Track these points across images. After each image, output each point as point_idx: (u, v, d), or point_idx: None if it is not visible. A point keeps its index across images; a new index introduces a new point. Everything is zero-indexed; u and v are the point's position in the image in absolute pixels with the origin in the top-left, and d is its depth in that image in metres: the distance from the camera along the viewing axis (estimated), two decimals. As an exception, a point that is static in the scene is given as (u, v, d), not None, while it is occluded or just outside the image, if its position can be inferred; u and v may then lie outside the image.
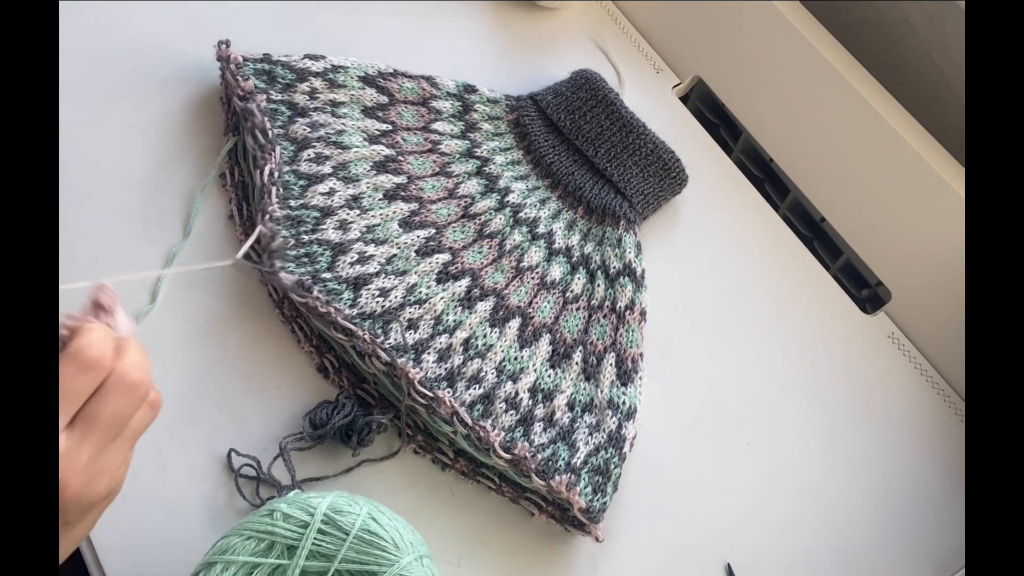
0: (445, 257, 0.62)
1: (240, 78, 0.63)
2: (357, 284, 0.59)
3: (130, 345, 0.38)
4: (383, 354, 0.55)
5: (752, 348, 0.64)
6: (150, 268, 0.61)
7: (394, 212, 0.63)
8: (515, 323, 0.60)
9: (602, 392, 0.58)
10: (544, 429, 0.56)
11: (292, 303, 0.61)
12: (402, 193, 0.64)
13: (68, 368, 0.36)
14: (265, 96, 0.64)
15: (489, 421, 0.56)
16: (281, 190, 0.60)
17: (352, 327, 0.56)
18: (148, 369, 0.39)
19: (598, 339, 0.61)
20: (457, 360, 0.58)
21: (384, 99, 0.67)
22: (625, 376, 0.59)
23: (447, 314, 0.59)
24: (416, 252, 0.61)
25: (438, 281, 0.61)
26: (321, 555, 0.46)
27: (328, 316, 0.56)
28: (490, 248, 0.63)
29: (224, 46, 0.65)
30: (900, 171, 0.66)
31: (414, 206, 0.63)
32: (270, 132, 0.62)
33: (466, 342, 0.59)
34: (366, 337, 0.56)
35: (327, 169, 0.63)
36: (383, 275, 0.60)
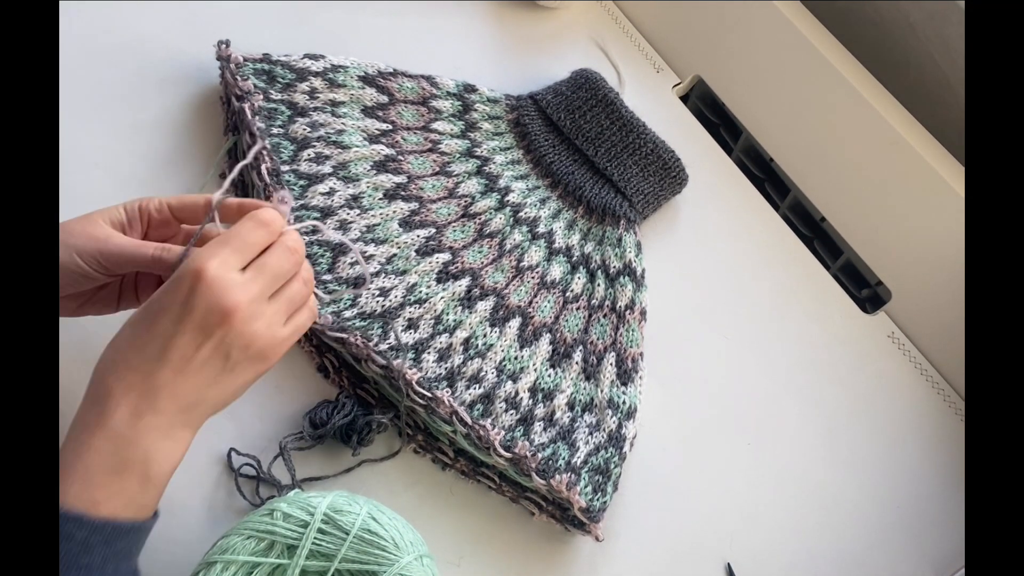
0: (445, 256, 0.62)
1: (239, 77, 0.63)
2: (357, 285, 0.59)
3: (291, 230, 0.47)
4: (378, 358, 0.55)
5: (752, 348, 0.64)
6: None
7: (394, 212, 0.63)
8: (515, 323, 0.60)
9: (602, 392, 0.58)
10: (544, 428, 0.56)
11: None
12: (402, 193, 0.64)
13: (247, 224, 0.44)
14: (263, 95, 0.64)
15: (489, 420, 0.56)
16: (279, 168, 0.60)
17: (343, 335, 0.56)
18: (303, 245, 0.47)
19: (598, 339, 0.61)
20: (457, 360, 0.58)
21: (384, 99, 0.67)
22: (625, 376, 0.59)
23: (447, 314, 0.59)
24: (416, 252, 0.61)
25: (438, 281, 0.61)
26: (321, 554, 0.46)
27: (319, 328, 0.56)
28: (490, 248, 0.63)
29: (224, 46, 0.65)
30: (900, 171, 0.66)
31: (414, 205, 0.63)
32: (256, 131, 0.62)
33: (466, 342, 0.59)
34: (359, 343, 0.56)
35: (327, 169, 0.63)
36: (383, 275, 0.60)
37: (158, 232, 0.50)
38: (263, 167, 0.61)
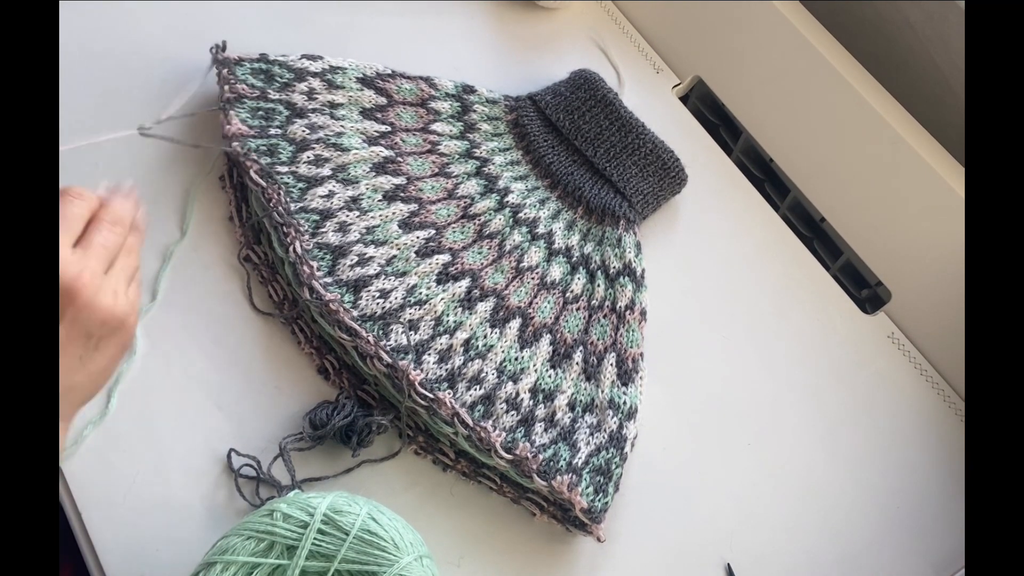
0: (445, 258, 0.62)
1: (231, 82, 0.63)
2: (357, 286, 0.59)
3: (116, 197, 0.47)
4: (385, 356, 0.55)
5: (752, 348, 0.64)
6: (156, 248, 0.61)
7: (393, 213, 0.63)
8: (515, 323, 0.60)
9: (603, 392, 0.58)
10: (545, 429, 0.56)
11: (293, 303, 0.61)
12: (401, 194, 0.64)
13: (63, 201, 0.44)
14: (260, 94, 0.63)
15: (490, 422, 0.56)
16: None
17: (356, 328, 0.56)
18: (128, 213, 0.47)
19: (598, 339, 0.61)
20: (458, 361, 0.58)
21: (383, 100, 0.67)
22: (626, 376, 0.59)
23: (447, 315, 0.59)
24: (416, 253, 0.61)
25: (438, 282, 0.61)
26: (321, 555, 0.46)
27: (336, 315, 0.56)
28: (490, 248, 0.63)
29: (218, 49, 0.64)
30: (900, 171, 0.66)
31: (413, 207, 0.63)
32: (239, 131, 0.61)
33: (467, 343, 0.59)
34: (369, 339, 0.56)
35: (326, 171, 0.63)
36: (383, 276, 0.60)
37: None
38: (253, 170, 0.60)
